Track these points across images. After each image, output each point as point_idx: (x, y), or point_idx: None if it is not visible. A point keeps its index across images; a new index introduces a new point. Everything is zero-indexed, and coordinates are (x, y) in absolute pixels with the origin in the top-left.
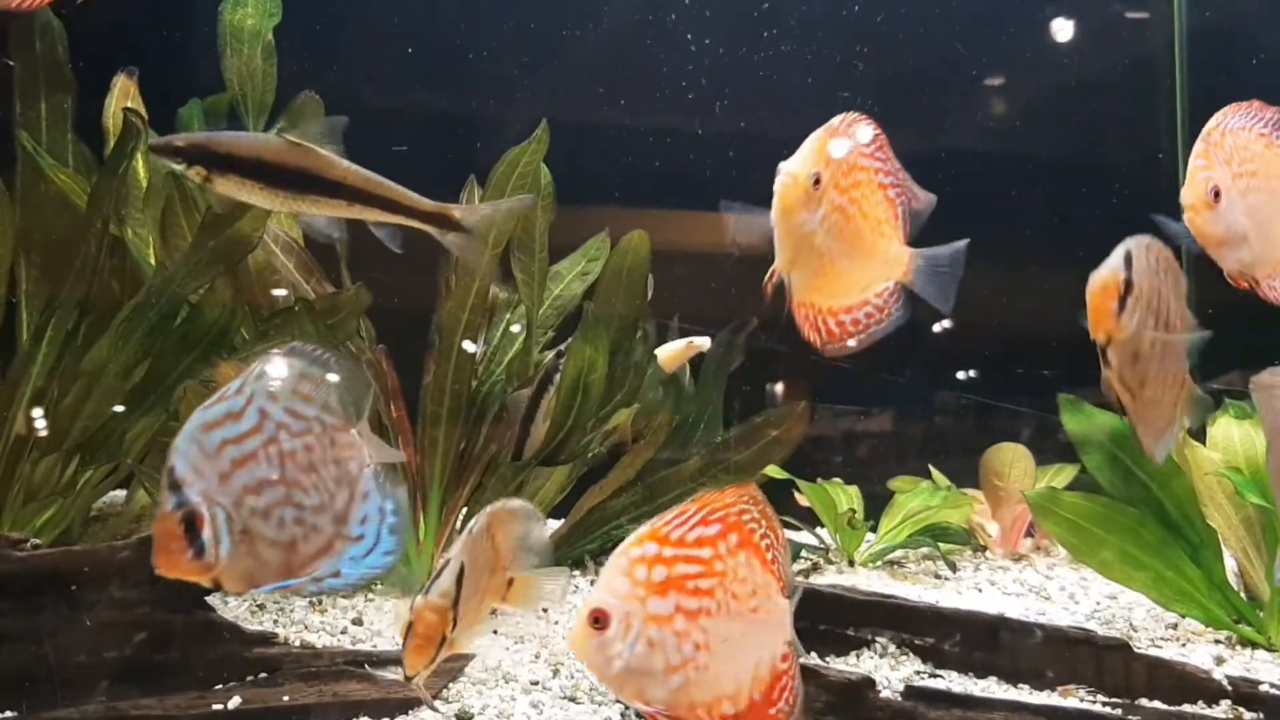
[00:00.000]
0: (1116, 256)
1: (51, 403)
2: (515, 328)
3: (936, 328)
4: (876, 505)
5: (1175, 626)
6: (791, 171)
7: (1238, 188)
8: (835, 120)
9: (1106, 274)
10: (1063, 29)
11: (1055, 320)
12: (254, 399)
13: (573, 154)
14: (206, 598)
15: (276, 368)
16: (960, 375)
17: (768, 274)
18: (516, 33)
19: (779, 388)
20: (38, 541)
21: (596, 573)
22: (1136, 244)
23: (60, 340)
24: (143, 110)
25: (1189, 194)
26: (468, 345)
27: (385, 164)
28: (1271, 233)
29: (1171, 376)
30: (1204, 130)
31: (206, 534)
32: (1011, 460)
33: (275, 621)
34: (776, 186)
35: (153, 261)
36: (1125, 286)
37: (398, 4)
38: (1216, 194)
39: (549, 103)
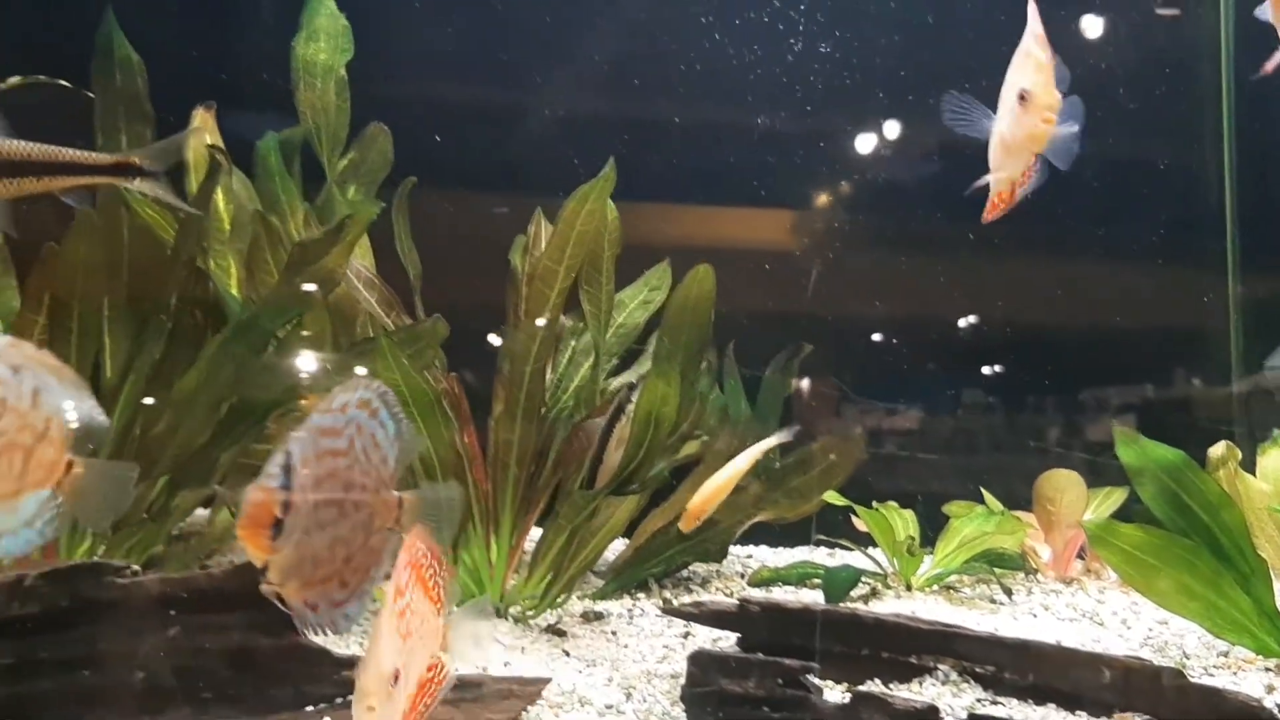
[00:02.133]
0: None
1: (141, 431)
2: (579, 354)
3: (962, 322)
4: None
5: (1226, 654)
6: (1050, 106)
7: None
8: (1036, 25)
9: None
10: (1091, 25)
11: (1092, 318)
12: (350, 423)
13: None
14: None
15: (371, 400)
16: (986, 370)
17: (982, 182)
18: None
19: (805, 384)
20: (137, 568)
21: (661, 596)
22: None
23: (147, 370)
24: (221, 143)
25: None
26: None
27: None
28: None
29: None
30: None
31: (289, 523)
32: (1064, 486)
33: (361, 645)
34: (1037, 126)
35: (234, 292)
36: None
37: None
38: None
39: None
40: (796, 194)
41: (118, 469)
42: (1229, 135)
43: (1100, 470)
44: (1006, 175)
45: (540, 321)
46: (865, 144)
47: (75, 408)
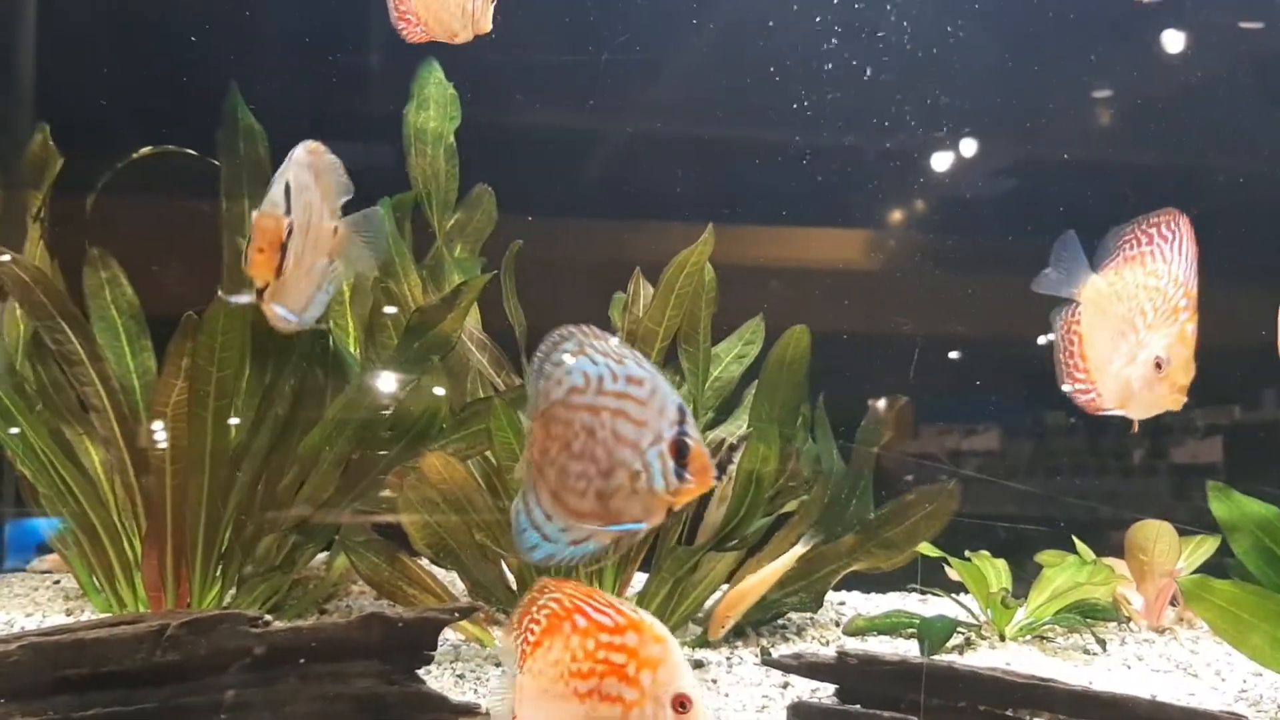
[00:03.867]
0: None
1: (271, 486)
2: None
3: (1042, 340)
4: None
5: None
6: (1185, 387)
7: None
8: (1188, 271)
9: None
10: (1173, 39)
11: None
12: None
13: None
14: (418, 670)
15: None
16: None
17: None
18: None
19: (880, 403)
20: (269, 618)
21: (758, 643)
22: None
23: (275, 427)
24: None
25: None
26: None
27: None
28: None
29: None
30: None
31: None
32: (1156, 535)
33: (475, 692)
34: (1169, 399)
35: (353, 350)
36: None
37: None
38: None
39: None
40: (872, 213)
41: (366, 218)
42: None
43: (1185, 493)
44: (1125, 414)
45: None
46: (942, 161)
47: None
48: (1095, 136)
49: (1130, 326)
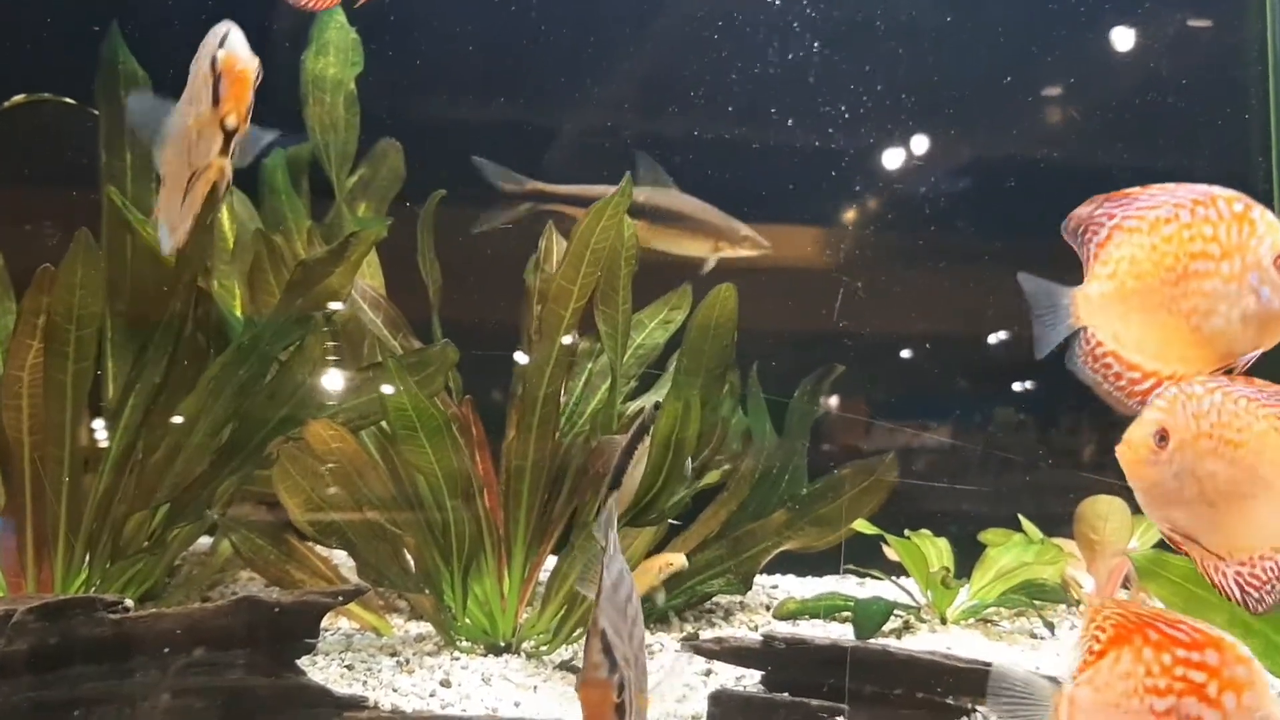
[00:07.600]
0: None
1: (140, 458)
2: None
3: (992, 338)
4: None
5: None
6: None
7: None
8: None
9: None
10: (1122, 38)
11: None
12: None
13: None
14: (297, 661)
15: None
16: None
17: None
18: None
19: (834, 400)
20: (130, 603)
21: (682, 630)
22: None
23: (148, 394)
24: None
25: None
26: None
27: None
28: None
29: None
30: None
31: (625, 695)
32: (1107, 512)
33: (364, 684)
34: None
35: (239, 313)
36: None
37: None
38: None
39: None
40: (822, 210)
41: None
42: (1276, 146)
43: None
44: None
45: (561, 341)
46: (893, 159)
47: None
48: (1047, 133)
49: (1191, 276)
